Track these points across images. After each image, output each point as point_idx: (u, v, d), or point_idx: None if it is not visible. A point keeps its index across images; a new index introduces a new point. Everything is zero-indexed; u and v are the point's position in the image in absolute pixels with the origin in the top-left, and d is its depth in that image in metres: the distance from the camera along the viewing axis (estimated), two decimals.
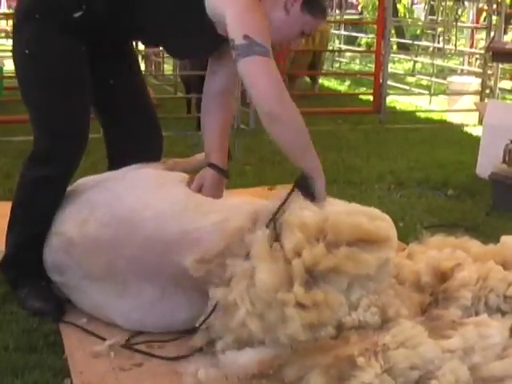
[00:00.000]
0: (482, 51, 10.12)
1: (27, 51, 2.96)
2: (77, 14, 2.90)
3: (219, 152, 3.25)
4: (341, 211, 2.69)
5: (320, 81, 13.04)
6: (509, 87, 12.37)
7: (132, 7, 2.95)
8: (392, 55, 11.96)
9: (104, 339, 2.85)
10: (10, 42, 16.19)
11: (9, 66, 9.46)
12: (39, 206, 3.12)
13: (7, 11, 18.86)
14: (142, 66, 12.53)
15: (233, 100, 3.42)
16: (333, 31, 15.86)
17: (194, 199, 3.04)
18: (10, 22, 12.54)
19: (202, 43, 3.07)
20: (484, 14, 13.03)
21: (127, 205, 2.97)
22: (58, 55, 2.97)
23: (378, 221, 2.65)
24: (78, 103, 3.04)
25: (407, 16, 19.63)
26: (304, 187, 2.78)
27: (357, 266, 2.48)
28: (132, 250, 2.88)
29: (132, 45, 3.47)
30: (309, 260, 2.46)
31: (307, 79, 11.77)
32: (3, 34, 19.37)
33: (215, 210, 2.98)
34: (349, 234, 2.54)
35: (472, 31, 13.85)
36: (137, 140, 3.29)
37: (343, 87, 12.67)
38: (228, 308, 2.56)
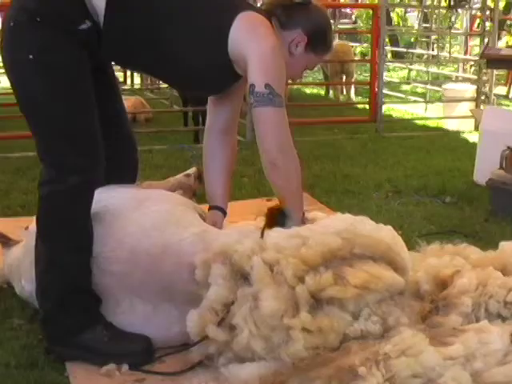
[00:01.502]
0: (477, 58, 10.14)
1: (31, 56, 2.72)
2: (82, 27, 2.76)
3: (225, 196, 3.40)
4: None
5: (316, 90, 13.11)
6: (504, 93, 12.41)
7: (149, 29, 2.85)
8: (387, 64, 11.98)
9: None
10: None
11: (5, 82, 9.38)
12: (80, 219, 2.86)
13: None
14: (139, 80, 12.59)
15: (235, 138, 3.46)
16: None
17: (175, 214, 3.05)
18: None
19: (214, 81, 3.06)
20: (478, 20, 13.08)
21: (108, 222, 2.94)
22: (68, 62, 2.77)
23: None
24: (91, 109, 2.87)
25: (401, 24, 19.68)
26: (280, 223, 2.92)
27: (382, 285, 2.52)
28: (118, 266, 2.88)
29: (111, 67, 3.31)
30: (312, 286, 2.47)
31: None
32: None
33: (196, 223, 3.04)
34: (376, 250, 2.59)
35: (466, 38, 13.91)
36: (114, 157, 3.05)
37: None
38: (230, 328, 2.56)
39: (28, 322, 3.18)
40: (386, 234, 2.72)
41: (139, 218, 2.97)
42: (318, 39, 3.07)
